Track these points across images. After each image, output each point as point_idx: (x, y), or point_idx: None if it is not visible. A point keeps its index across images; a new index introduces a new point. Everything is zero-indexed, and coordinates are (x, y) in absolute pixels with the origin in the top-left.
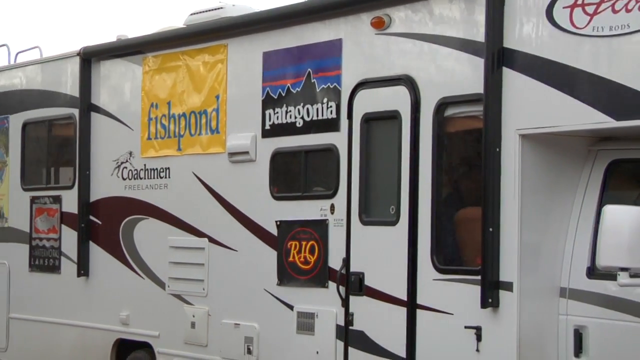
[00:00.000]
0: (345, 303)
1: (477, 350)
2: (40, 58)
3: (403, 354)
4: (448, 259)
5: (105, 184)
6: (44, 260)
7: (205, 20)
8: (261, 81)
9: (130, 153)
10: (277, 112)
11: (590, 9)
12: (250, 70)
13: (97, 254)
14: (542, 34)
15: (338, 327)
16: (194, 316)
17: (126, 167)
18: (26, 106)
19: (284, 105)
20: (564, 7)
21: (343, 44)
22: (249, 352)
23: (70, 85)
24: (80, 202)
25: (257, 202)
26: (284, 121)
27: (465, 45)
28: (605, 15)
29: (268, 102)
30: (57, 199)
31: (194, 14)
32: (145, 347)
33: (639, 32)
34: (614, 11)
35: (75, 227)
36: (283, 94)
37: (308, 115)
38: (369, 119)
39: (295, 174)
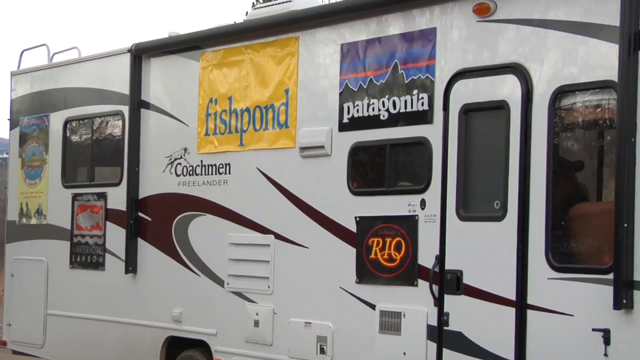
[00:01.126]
0: (439, 302)
1: (606, 354)
2: (86, 56)
3: (511, 356)
4: (566, 257)
5: (156, 181)
6: (86, 257)
7: (272, 14)
8: (339, 74)
9: (185, 149)
10: (357, 105)
11: None
12: (326, 63)
13: (146, 251)
14: None
15: (429, 327)
16: (257, 314)
17: (180, 164)
18: (68, 104)
19: (366, 97)
20: None
21: (437, 32)
22: (322, 351)
23: (118, 82)
24: (129, 199)
25: (333, 198)
26: (366, 114)
27: (586, 29)
28: None
29: (347, 95)
30: (102, 196)
31: (258, 7)
32: (199, 345)
33: None
34: None
35: (121, 224)
36: (365, 86)
37: (394, 108)
38: (469, 110)
39: (379, 168)
